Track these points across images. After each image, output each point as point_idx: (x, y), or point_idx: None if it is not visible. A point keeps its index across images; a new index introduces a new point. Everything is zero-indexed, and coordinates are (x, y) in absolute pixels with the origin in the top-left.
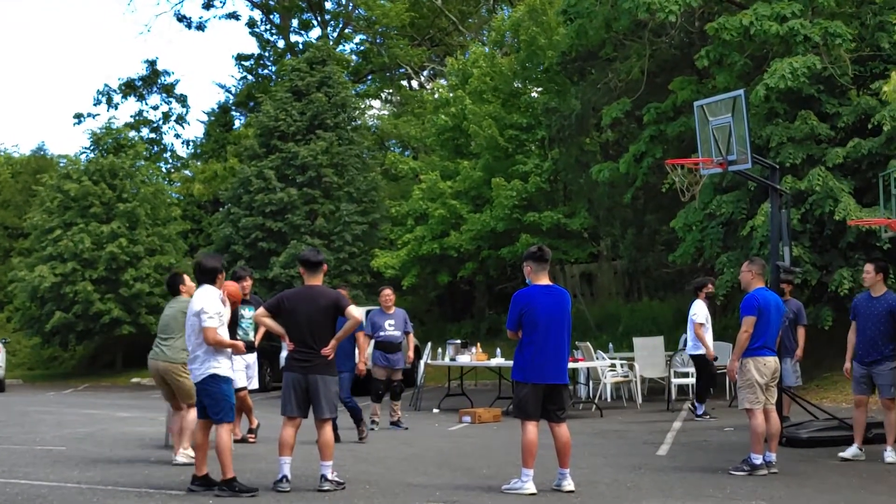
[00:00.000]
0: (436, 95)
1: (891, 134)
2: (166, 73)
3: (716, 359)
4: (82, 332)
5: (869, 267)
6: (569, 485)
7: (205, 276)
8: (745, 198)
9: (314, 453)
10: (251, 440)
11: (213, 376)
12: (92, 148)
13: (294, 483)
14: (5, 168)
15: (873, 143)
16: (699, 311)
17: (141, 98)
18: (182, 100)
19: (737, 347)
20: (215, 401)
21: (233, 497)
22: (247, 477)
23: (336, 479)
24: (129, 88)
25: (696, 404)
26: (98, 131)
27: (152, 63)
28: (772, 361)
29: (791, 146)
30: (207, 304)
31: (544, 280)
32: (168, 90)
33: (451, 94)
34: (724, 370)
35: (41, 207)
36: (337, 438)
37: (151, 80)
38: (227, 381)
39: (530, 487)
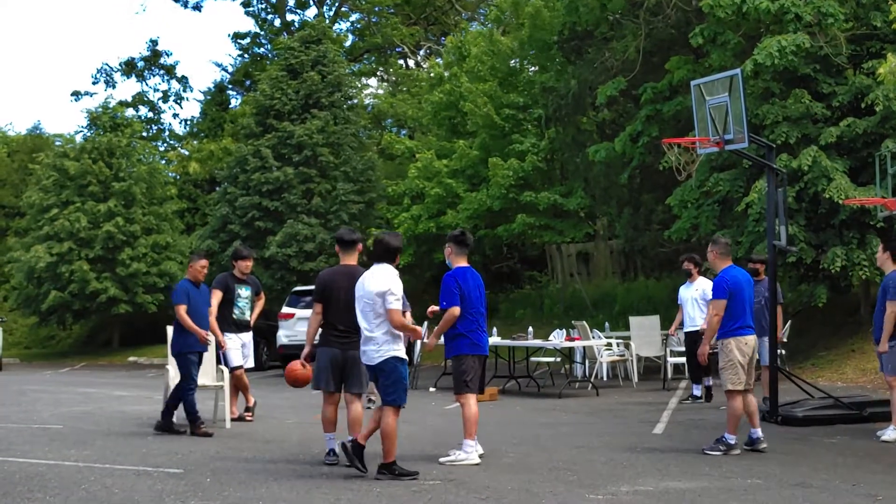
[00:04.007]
0: (431, 74)
1: (885, 114)
2: (167, 53)
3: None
4: (79, 311)
5: (879, 248)
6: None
7: (388, 255)
8: (741, 176)
9: (315, 431)
10: (248, 418)
11: (396, 358)
12: (89, 127)
13: (291, 459)
14: (1, 147)
15: (868, 122)
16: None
17: (140, 78)
18: (183, 80)
19: (708, 331)
20: (393, 382)
21: (354, 472)
22: (244, 455)
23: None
24: (129, 68)
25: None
26: (95, 110)
27: (154, 43)
28: (752, 340)
29: (786, 125)
30: (395, 285)
31: (464, 262)
32: (169, 71)
33: (446, 73)
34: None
35: (37, 186)
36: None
37: (152, 61)
38: (405, 362)
39: (475, 457)
